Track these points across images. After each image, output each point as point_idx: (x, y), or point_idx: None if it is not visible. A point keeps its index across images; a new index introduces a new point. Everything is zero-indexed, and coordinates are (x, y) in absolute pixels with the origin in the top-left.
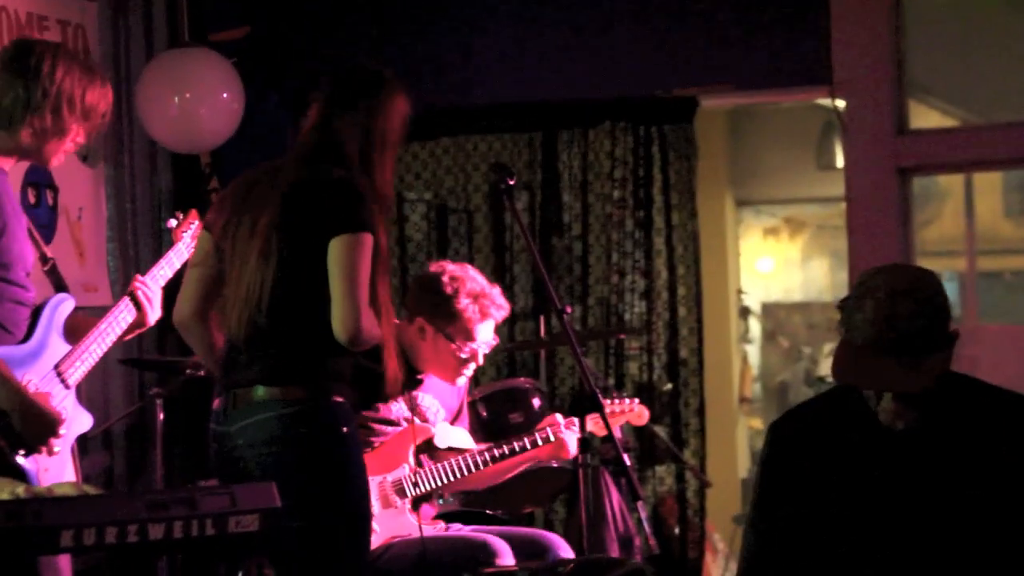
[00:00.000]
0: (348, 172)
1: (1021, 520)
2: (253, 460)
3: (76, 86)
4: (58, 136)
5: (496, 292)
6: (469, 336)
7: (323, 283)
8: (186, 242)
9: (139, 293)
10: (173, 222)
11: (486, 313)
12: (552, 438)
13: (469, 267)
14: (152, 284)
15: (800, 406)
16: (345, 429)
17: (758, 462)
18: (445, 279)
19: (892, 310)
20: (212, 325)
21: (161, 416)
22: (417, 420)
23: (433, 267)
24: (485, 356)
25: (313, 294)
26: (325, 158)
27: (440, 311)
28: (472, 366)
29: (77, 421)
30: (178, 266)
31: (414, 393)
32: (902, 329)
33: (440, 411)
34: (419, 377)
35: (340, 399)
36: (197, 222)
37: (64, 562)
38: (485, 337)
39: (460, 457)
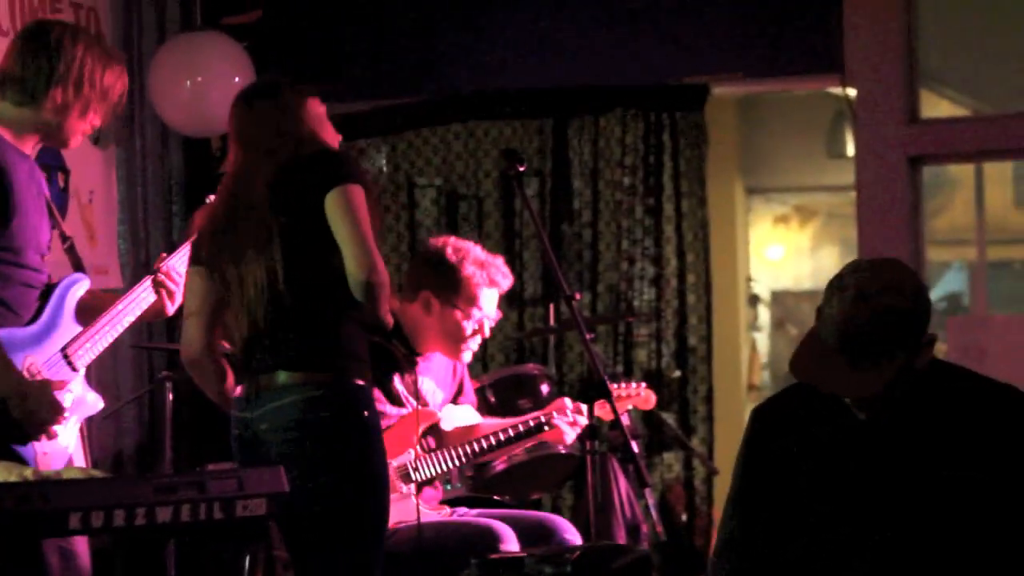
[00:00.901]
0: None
1: (997, 509)
2: (276, 445)
3: (96, 64)
4: (80, 111)
5: (500, 261)
6: (476, 305)
7: (329, 256)
8: None
9: (165, 282)
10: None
11: (493, 280)
12: (551, 425)
13: (468, 241)
14: (180, 269)
15: (783, 392)
16: (366, 413)
17: (740, 446)
18: (449, 250)
19: (853, 312)
20: (218, 350)
21: (170, 399)
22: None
23: (435, 241)
24: (491, 329)
25: (322, 272)
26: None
27: (446, 281)
28: (478, 339)
29: (86, 403)
30: None
31: (412, 379)
32: (856, 334)
33: (437, 393)
34: (416, 359)
35: (361, 382)
36: None
37: (82, 546)
38: (491, 306)
39: (464, 445)
